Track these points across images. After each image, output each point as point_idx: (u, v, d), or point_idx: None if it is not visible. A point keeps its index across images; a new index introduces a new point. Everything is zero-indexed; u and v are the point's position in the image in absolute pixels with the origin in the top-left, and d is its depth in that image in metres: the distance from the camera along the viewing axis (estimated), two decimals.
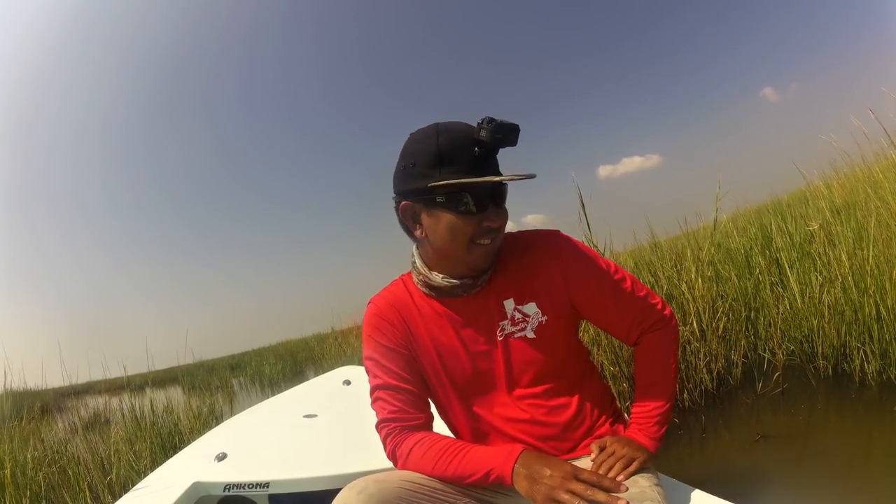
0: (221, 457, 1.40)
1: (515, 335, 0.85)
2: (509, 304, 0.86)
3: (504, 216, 0.81)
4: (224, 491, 1.25)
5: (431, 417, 0.89)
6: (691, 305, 2.42)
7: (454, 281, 0.84)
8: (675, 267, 2.74)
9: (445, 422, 0.94)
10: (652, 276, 2.70)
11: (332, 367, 2.81)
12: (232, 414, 2.52)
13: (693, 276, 2.56)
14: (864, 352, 2.08)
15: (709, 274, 2.60)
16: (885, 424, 1.82)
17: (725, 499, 0.81)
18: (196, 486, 1.25)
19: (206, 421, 3.90)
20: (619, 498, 0.68)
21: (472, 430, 0.90)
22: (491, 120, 0.73)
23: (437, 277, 0.85)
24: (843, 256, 2.27)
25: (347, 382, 2.19)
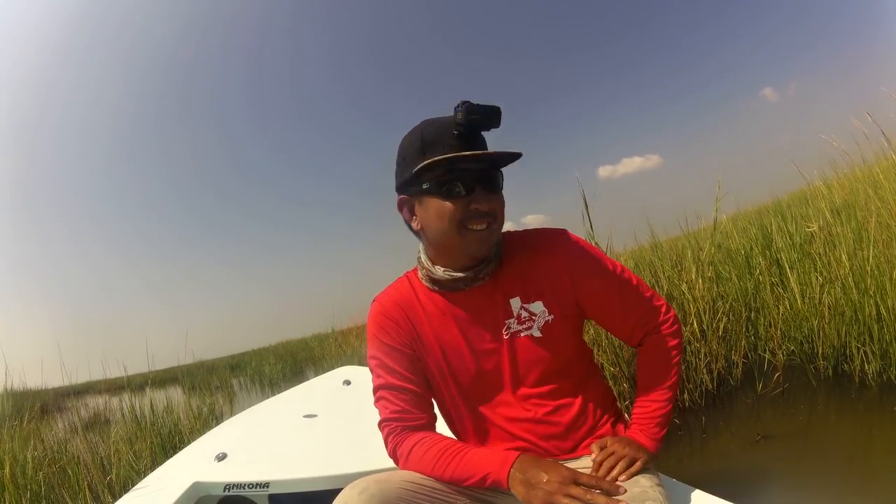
0: (221, 457, 1.40)
1: (522, 334, 0.85)
2: (516, 303, 0.86)
3: (495, 201, 0.80)
4: (224, 491, 1.25)
5: (434, 417, 0.89)
6: (691, 306, 2.42)
7: (455, 274, 0.84)
8: (676, 267, 2.74)
9: (448, 421, 0.94)
10: (652, 276, 2.70)
11: (332, 367, 2.81)
12: (232, 414, 2.52)
13: (693, 277, 2.56)
14: (865, 352, 2.08)
15: (709, 274, 2.60)
16: (886, 425, 1.82)
17: (726, 499, 0.81)
18: (196, 486, 1.25)
19: (206, 421, 3.89)
20: (618, 500, 0.68)
21: (476, 429, 0.90)
22: (465, 102, 0.74)
23: (439, 271, 0.85)
24: (844, 257, 2.27)
25: (347, 382, 2.19)
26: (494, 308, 0.86)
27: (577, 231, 0.93)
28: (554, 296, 0.86)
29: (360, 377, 2.24)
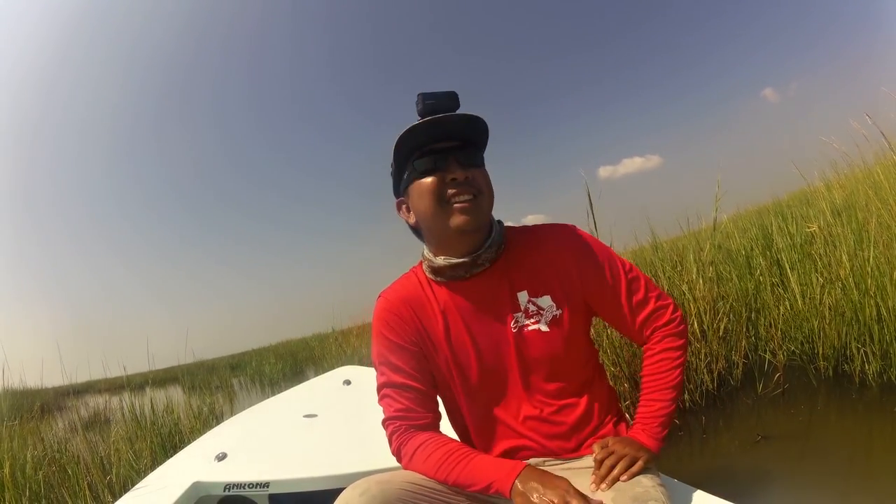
0: (221, 457, 1.40)
1: (529, 327, 0.85)
2: (523, 297, 0.86)
3: (472, 172, 0.82)
4: (224, 491, 1.25)
5: (439, 416, 0.88)
6: (692, 306, 2.42)
7: (454, 260, 0.84)
8: (676, 268, 2.74)
9: (453, 418, 0.94)
10: (653, 276, 2.70)
11: (332, 367, 2.81)
12: (232, 414, 2.52)
13: (694, 277, 2.56)
14: (865, 353, 2.08)
15: (710, 275, 2.60)
16: (886, 425, 1.82)
17: (726, 499, 0.80)
18: (196, 486, 1.25)
19: (206, 421, 3.90)
20: None
21: (481, 426, 0.89)
22: (421, 93, 0.80)
23: (440, 259, 0.86)
24: (844, 257, 2.27)
25: (347, 382, 2.19)
26: (501, 301, 0.86)
27: None
28: (562, 290, 0.86)
29: (361, 377, 2.24)
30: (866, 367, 2.07)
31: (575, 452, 0.87)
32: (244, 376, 9.74)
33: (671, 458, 1.93)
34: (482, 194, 0.83)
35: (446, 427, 0.89)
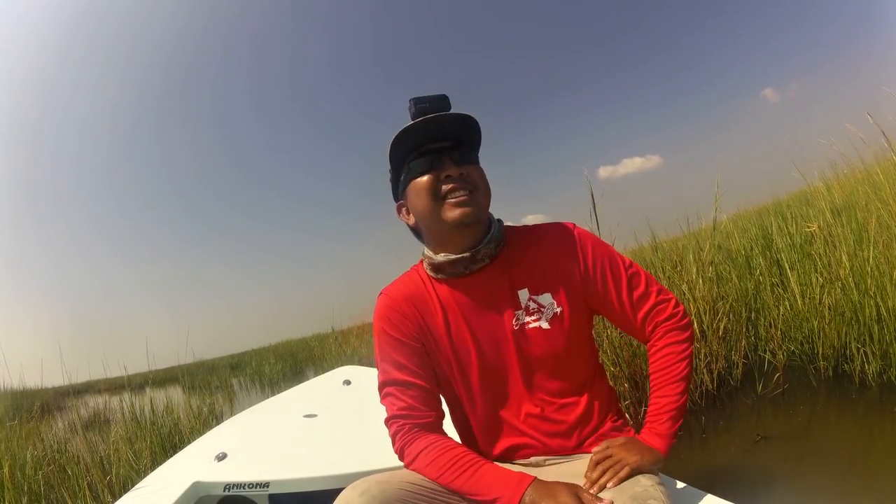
0: (221, 457, 1.40)
1: (531, 325, 0.85)
2: (524, 294, 0.86)
3: (467, 169, 0.83)
4: (224, 491, 1.25)
5: (442, 414, 0.88)
6: (692, 306, 2.43)
7: (454, 256, 0.85)
8: (676, 268, 2.74)
9: (455, 415, 0.94)
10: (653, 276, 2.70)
11: (332, 367, 2.81)
12: (232, 414, 2.52)
13: (694, 277, 2.57)
14: (865, 353, 2.08)
15: (709, 275, 2.61)
16: (886, 425, 1.82)
17: (726, 499, 0.80)
18: (196, 486, 1.25)
19: (206, 421, 3.90)
20: None
21: (483, 424, 0.89)
22: (412, 97, 0.82)
23: (440, 256, 0.86)
24: (844, 257, 2.27)
25: (347, 382, 2.19)
26: (502, 298, 0.86)
27: None
28: (563, 288, 0.86)
29: (361, 377, 2.24)
30: (866, 367, 2.07)
31: (576, 451, 0.87)
32: (244, 376, 9.74)
33: (671, 458, 1.92)
34: (478, 190, 0.84)
35: (447, 426, 0.89)
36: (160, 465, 1.51)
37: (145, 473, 1.60)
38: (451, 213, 0.81)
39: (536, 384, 0.87)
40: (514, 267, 0.87)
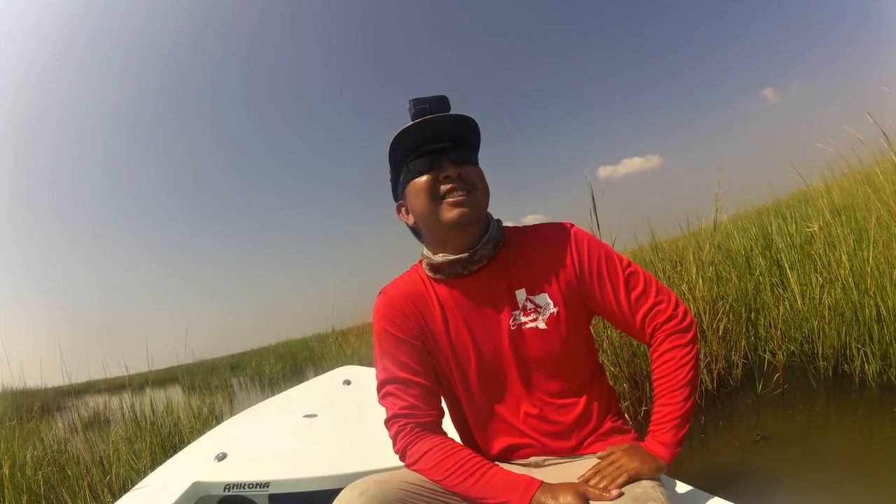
0: (221, 457, 1.40)
1: (527, 325, 0.85)
2: (521, 294, 0.86)
3: (465, 169, 0.84)
4: (224, 491, 1.25)
5: (442, 413, 0.88)
6: (692, 306, 2.43)
7: (452, 256, 0.85)
8: (676, 268, 2.74)
9: (454, 414, 0.94)
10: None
11: (332, 367, 2.81)
12: (232, 414, 2.52)
13: (694, 277, 2.56)
14: (865, 353, 2.08)
15: (709, 275, 2.61)
16: (886, 425, 1.82)
17: (726, 499, 0.81)
18: (196, 486, 1.25)
19: (206, 421, 3.90)
20: None
21: (482, 422, 0.89)
22: (412, 98, 0.83)
23: (438, 257, 0.86)
24: (844, 257, 2.27)
25: (347, 382, 2.19)
26: (499, 298, 0.86)
27: None
28: (559, 288, 0.86)
29: (361, 377, 2.24)
30: (866, 367, 2.07)
31: (575, 451, 0.87)
32: (244, 376, 9.74)
33: None
34: (476, 190, 0.84)
35: (446, 425, 0.89)
36: (160, 465, 1.51)
37: (145, 473, 1.60)
38: (450, 214, 0.82)
39: (535, 384, 0.87)
40: (511, 267, 0.87)
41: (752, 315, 2.64)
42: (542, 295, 0.86)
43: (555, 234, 0.89)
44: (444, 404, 0.91)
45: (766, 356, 2.43)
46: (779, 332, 2.39)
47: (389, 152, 0.86)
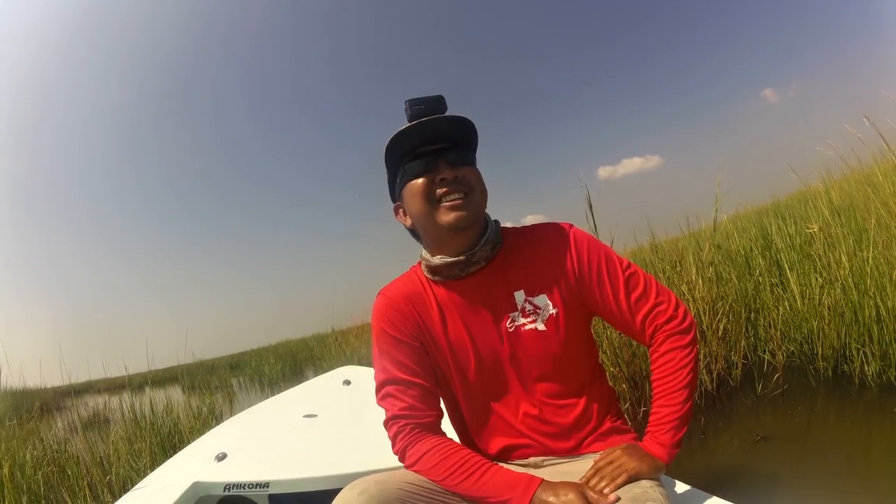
0: (221, 457, 1.40)
1: (526, 326, 0.85)
2: (520, 296, 0.86)
3: (462, 171, 0.83)
4: (224, 491, 1.25)
5: (441, 413, 0.88)
6: (692, 306, 2.43)
7: (450, 259, 0.85)
8: (676, 268, 2.74)
9: (453, 415, 0.94)
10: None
11: (332, 367, 2.81)
12: (232, 414, 2.52)
13: (693, 277, 2.57)
14: (864, 353, 2.08)
15: (709, 275, 2.61)
16: (885, 426, 1.82)
17: (726, 499, 0.81)
18: (196, 486, 1.25)
19: (206, 421, 3.89)
20: None
21: (481, 425, 0.89)
22: (408, 99, 0.82)
23: (437, 259, 0.86)
24: (843, 258, 2.27)
25: (347, 382, 2.19)
26: (498, 300, 0.86)
27: None
28: (558, 289, 0.85)
29: (360, 377, 2.24)
30: (865, 367, 2.07)
31: (575, 451, 0.87)
32: (244, 376, 9.75)
33: None
34: (473, 191, 0.83)
35: (445, 425, 0.89)
36: (160, 465, 1.51)
37: (145, 473, 1.60)
38: (446, 217, 0.81)
39: (534, 385, 0.87)
40: (510, 268, 0.87)
41: (752, 315, 2.64)
42: (541, 296, 0.85)
43: (554, 235, 0.88)
44: (443, 405, 0.91)
45: (766, 356, 2.43)
46: (778, 333, 2.40)
47: (386, 154, 0.85)
